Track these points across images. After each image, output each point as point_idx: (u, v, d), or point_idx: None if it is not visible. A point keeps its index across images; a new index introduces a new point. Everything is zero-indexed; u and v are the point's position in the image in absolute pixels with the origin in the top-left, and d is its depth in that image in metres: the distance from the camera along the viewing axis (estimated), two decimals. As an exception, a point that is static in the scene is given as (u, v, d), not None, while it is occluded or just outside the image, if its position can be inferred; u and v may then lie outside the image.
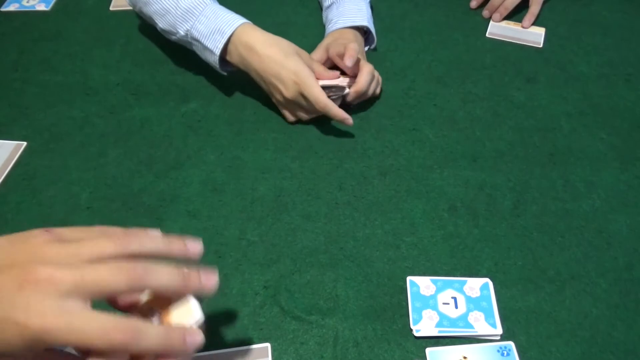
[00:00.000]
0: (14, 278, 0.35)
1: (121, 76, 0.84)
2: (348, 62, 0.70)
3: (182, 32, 0.75)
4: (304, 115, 0.74)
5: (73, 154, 0.72)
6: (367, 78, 0.73)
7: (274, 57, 0.71)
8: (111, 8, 0.98)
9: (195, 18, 0.73)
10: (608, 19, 0.95)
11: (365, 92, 0.74)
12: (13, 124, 0.77)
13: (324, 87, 0.70)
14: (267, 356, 0.53)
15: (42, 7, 0.98)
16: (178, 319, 0.40)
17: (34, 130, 0.76)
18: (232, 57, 0.74)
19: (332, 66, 0.77)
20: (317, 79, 0.71)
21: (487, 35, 0.90)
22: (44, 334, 0.33)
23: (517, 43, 0.89)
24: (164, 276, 0.38)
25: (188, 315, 0.40)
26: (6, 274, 0.35)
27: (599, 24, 0.94)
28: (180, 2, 0.74)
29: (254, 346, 0.53)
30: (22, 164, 0.71)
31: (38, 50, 0.89)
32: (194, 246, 0.41)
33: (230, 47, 0.73)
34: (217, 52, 0.72)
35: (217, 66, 0.75)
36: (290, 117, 0.75)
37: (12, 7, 0.98)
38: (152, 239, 0.41)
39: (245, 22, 0.73)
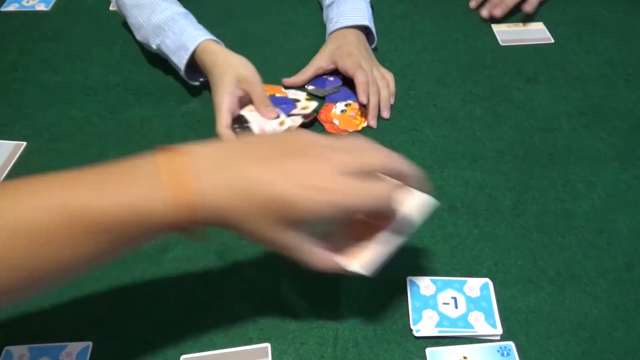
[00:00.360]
0: (306, 156, 0.42)
1: (121, 76, 0.84)
2: (362, 99, 0.74)
3: (154, 47, 0.79)
4: None
5: (73, 154, 0.72)
6: (362, 91, 0.74)
7: (212, 79, 0.74)
8: (111, 8, 0.98)
9: (164, 33, 0.77)
10: (608, 19, 0.95)
11: (373, 104, 0.75)
12: (13, 124, 0.77)
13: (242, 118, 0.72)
14: (267, 356, 0.53)
15: (42, 7, 0.98)
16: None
17: (34, 130, 0.76)
18: (200, 68, 0.77)
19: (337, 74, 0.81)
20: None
21: (500, 44, 0.89)
22: (348, 205, 0.42)
23: (530, 44, 0.89)
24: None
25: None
26: (299, 155, 0.42)
27: (599, 24, 0.94)
28: (151, 17, 0.78)
29: (254, 346, 0.53)
30: (22, 164, 0.71)
31: (38, 50, 0.89)
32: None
33: (197, 59, 0.76)
34: (182, 67, 0.76)
35: (186, 78, 0.78)
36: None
37: (12, 7, 0.98)
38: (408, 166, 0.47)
39: (208, 39, 0.76)
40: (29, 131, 0.76)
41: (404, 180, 0.47)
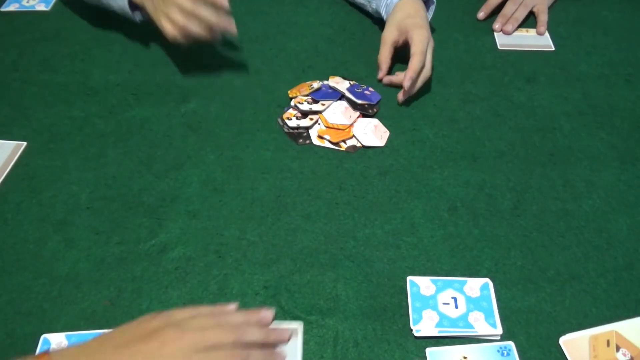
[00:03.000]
0: (157, 339, 0.47)
1: (121, 76, 0.84)
2: (406, 84, 0.74)
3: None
4: (193, 28, 0.75)
5: (73, 154, 0.72)
6: (412, 72, 0.75)
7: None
8: (111, 8, 0.97)
9: None
10: (608, 19, 0.95)
11: (409, 86, 0.75)
12: (13, 124, 0.77)
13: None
14: (297, 335, 0.54)
15: (42, 7, 0.98)
16: None
17: (34, 130, 0.76)
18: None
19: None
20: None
21: (499, 47, 0.89)
22: None
23: (530, 50, 0.88)
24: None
25: None
26: (148, 339, 0.47)
27: (599, 24, 0.94)
28: None
29: (285, 325, 0.55)
30: (22, 164, 0.71)
31: (38, 50, 0.89)
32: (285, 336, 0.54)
33: None
34: (126, 5, 0.78)
35: (130, 15, 0.80)
36: (172, 31, 0.75)
37: (12, 7, 0.98)
38: (258, 332, 0.52)
39: None
40: (29, 131, 0.76)
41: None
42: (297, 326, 0.55)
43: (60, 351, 0.48)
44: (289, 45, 0.89)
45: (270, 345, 0.52)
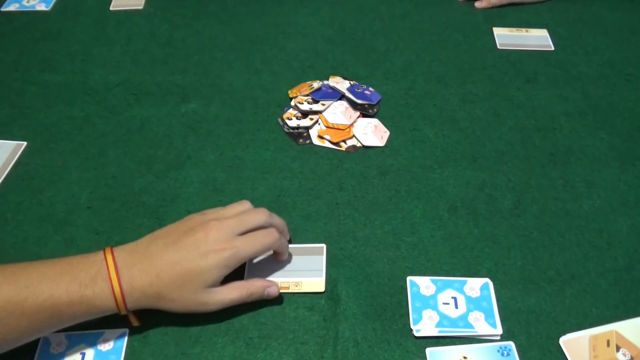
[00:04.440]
0: (201, 230, 0.53)
1: (121, 76, 0.84)
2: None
3: None
4: None
5: (73, 154, 0.72)
6: None
7: None
8: (111, 8, 0.98)
9: None
10: (608, 19, 0.95)
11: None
12: (13, 124, 0.77)
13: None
14: (322, 254, 0.61)
15: (42, 7, 0.98)
16: None
17: (34, 130, 0.76)
18: None
19: None
20: None
21: (498, 47, 0.88)
22: (241, 255, 0.53)
23: (529, 50, 0.88)
24: (284, 242, 0.58)
25: None
26: (194, 232, 0.53)
27: (599, 24, 0.94)
28: None
29: (310, 245, 0.61)
30: (22, 164, 0.71)
31: (38, 50, 0.89)
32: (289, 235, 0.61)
33: None
34: None
35: None
36: None
37: (12, 7, 0.98)
38: (280, 219, 0.59)
39: None
40: (29, 131, 0.75)
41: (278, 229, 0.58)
42: (323, 245, 0.61)
43: (120, 247, 0.52)
44: (289, 45, 0.89)
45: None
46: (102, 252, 0.51)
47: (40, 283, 0.48)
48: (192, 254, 0.51)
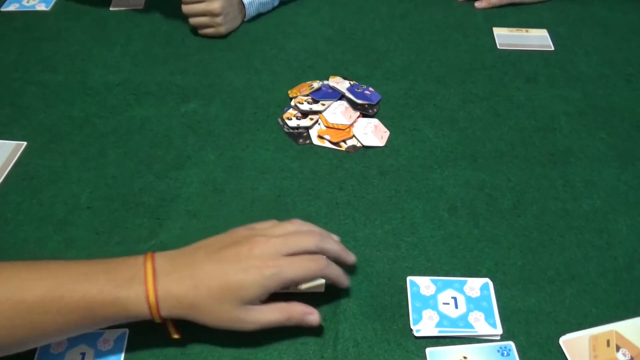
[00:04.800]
0: (246, 244, 0.51)
1: (121, 76, 0.84)
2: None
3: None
4: None
5: (73, 154, 0.72)
6: None
7: None
8: (111, 8, 0.98)
9: None
10: (608, 19, 0.95)
11: None
12: (13, 124, 0.77)
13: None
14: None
15: (42, 7, 0.98)
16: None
17: (34, 130, 0.76)
18: None
19: None
20: None
21: (498, 47, 0.88)
22: (284, 277, 0.50)
23: (529, 50, 0.88)
24: (335, 270, 0.54)
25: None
26: (238, 245, 0.51)
27: (599, 24, 0.94)
28: None
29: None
30: (22, 164, 0.71)
31: (38, 50, 0.89)
32: (352, 258, 0.57)
33: None
34: None
35: None
36: None
37: (12, 7, 0.98)
38: (336, 244, 0.56)
39: None
40: (29, 131, 0.76)
41: (331, 256, 0.55)
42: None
43: (162, 253, 0.51)
44: (289, 45, 0.89)
45: (341, 263, 0.56)
46: (143, 256, 0.51)
47: (77, 281, 0.47)
48: (233, 268, 0.50)
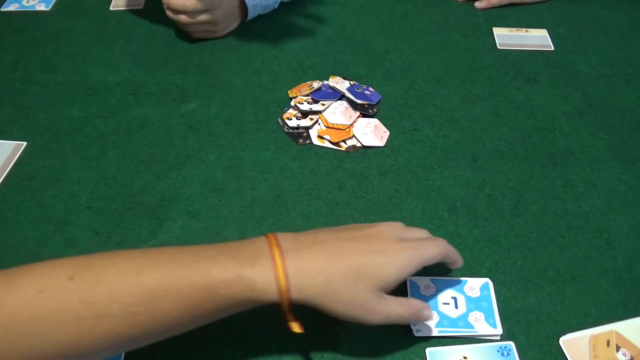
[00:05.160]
0: (371, 227, 0.49)
1: (121, 76, 0.84)
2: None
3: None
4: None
5: (73, 154, 0.72)
6: None
7: None
8: (111, 8, 0.98)
9: None
10: (608, 19, 0.95)
11: None
12: (13, 124, 0.77)
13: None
14: None
15: (42, 7, 0.98)
16: None
17: (34, 130, 0.76)
18: None
19: None
20: None
21: (498, 47, 0.88)
22: (422, 256, 0.49)
23: (529, 50, 0.88)
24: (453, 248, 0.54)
25: None
26: (365, 229, 0.49)
27: (599, 24, 0.94)
28: None
29: None
30: (22, 164, 0.71)
31: (38, 50, 0.89)
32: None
33: None
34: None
35: None
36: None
37: (12, 7, 0.98)
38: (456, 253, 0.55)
39: None
40: (29, 131, 0.76)
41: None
42: None
43: (281, 233, 0.48)
44: (289, 45, 0.89)
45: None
46: (263, 236, 0.47)
47: (197, 262, 0.44)
48: (368, 247, 0.46)
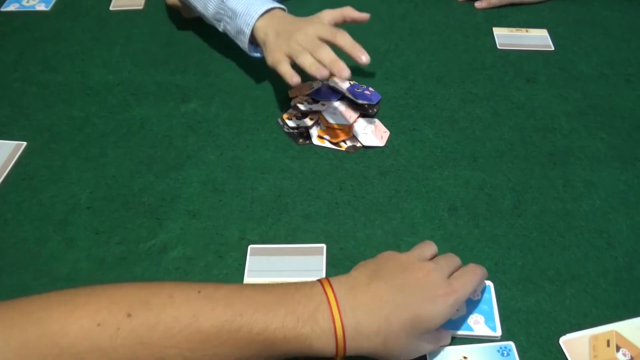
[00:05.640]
0: (419, 270, 0.49)
1: (121, 76, 0.84)
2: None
3: (221, 31, 0.80)
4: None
5: (73, 154, 0.72)
6: None
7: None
8: (111, 8, 0.98)
9: (223, 19, 0.77)
10: (608, 19, 0.95)
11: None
12: (13, 124, 0.77)
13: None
14: (322, 254, 0.60)
15: (42, 7, 0.98)
16: None
17: (34, 130, 0.76)
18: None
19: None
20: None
21: (498, 47, 0.88)
22: (460, 300, 0.50)
23: (529, 50, 0.88)
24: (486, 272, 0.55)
25: None
26: (412, 270, 0.49)
27: (599, 24, 0.94)
28: (207, 7, 0.78)
29: (310, 245, 0.61)
30: (22, 164, 0.71)
31: (38, 50, 0.89)
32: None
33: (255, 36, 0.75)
34: (247, 50, 0.77)
35: (251, 55, 0.78)
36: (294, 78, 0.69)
37: (12, 7, 0.98)
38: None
39: (259, 16, 0.73)
40: (29, 131, 0.76)
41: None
42: (323, 246, 0.61)
43: (337, 279, 0.48)
44: (289, 45, 0.89)
45: None
46: (318, 283, 0.47)
47: (255, 312, 0.44)
48: (419, 298, 0.47)
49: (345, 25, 0.76)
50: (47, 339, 0.40)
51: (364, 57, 0.67)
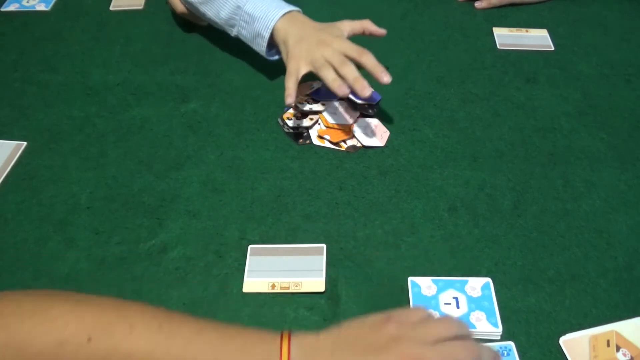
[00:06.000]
0: (392, 354, 0.43)
1: (121, 76, 0.84)
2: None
3: (233, 36, 0.80)
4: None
5: (73, 154, 0.72)
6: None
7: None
8: (111, 8, 0.98)
9: (237, 24, 0.77)
10: (608, 19, 0.95)
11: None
12: (13, 124, 0.77)
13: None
14: (322, 254, 0.60)
15: (42, 7, 0.98)
16: None
17: (34, 130, 0.76)
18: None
19: None
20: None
21: (498, 47, 0.88)
22: None
23: (529, 50, 0.88)
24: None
25: None
26: (385, 353, 0.43)
27: (599, 24, 0.94)
28: (220, 12, 0.78)
29: (310, 245, 0.61)
30: (22, 164, 0.71)
31: (38, 50, 0.89)
32: None
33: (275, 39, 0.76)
34: (265, 54, 0.77)
35: (269, 59, 0.78)
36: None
37: (12, 7, 0.98)
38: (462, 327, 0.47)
39: (279, 19, 0.74)
40: (29, 131, 0.75)
41: None
42: (323, 245, 0.61)
43: (299, 338, 0.45)
44: (289, 45, 0.89)
45: None
46: (279, 337, 0.45)
47: (209, 350, 0.43)
48: None
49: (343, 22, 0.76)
50: (13, 347, 0.41)
51: (385, 78, 0.69)
